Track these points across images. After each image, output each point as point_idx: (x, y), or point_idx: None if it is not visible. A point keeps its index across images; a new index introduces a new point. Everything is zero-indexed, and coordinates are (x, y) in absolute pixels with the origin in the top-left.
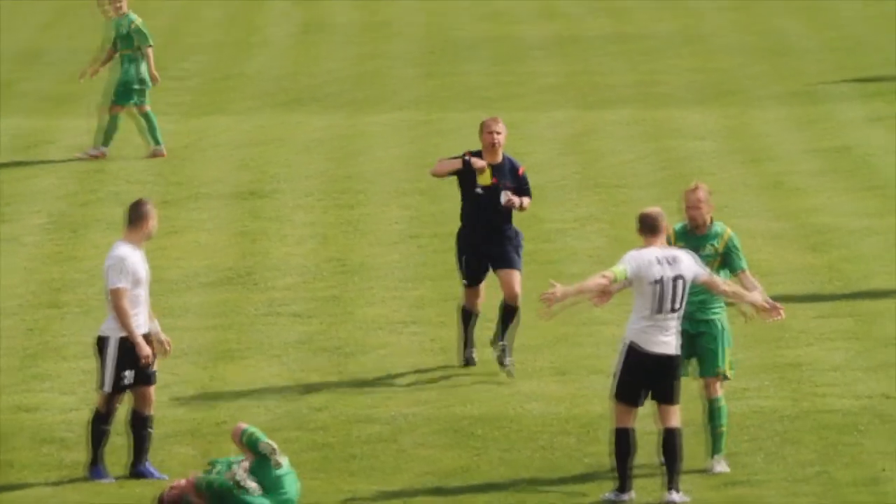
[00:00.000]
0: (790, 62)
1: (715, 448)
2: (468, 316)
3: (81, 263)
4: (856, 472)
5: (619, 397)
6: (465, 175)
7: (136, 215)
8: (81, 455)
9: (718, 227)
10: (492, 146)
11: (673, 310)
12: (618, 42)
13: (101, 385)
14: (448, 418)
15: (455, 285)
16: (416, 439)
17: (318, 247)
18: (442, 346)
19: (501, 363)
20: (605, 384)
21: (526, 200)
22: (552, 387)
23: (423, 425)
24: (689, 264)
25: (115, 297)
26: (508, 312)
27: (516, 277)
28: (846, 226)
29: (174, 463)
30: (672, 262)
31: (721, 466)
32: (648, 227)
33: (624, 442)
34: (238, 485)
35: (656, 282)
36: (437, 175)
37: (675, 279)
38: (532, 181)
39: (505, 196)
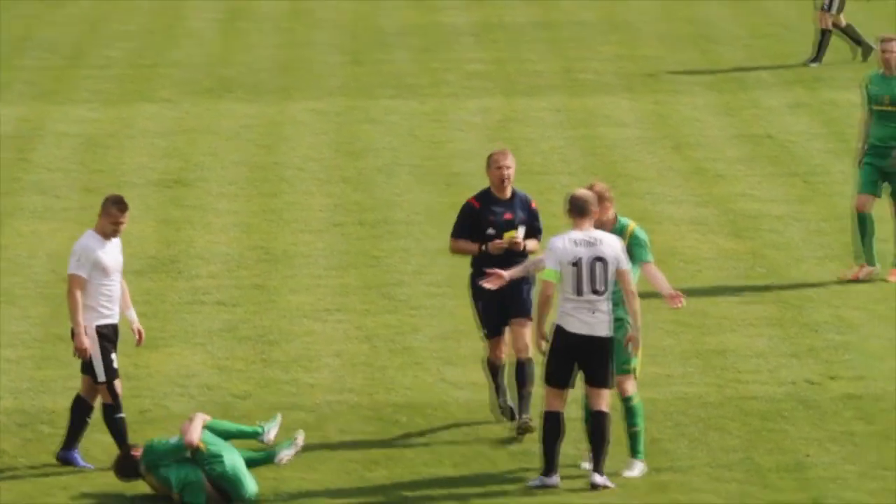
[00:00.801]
0: (715, 49)
1: (631, 450)
2: (496, 369)
3: (5, 252)
4: (779, 458)
5: (548, 380)
6: (475, 219)
7: (103, 207)
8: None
9: (623, 222)
10: (501, 182)
11: (595, 291)
12: (544, 29)
13: (95, 378)
14: (372, 406)
15: (381, 273)
16: (340, 427)
17: (241, 235)
18: (366, 333)
19: (520, 430)
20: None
21: (532, 243)
22: (476, 374)
23: (348, 413)
24: (612, 248)
25: (69, 284)
26: (521, 369)
27: (528, 327)
28: (770, 212)
29: (97, 451)
30: (592, 243)
31: (631, 472)
32: (577, 210)
33: (553, 425)
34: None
35: (573, 263)
36: (454, 251)
37: (595, 260)
38: (458, 168)
39: (519, 233)
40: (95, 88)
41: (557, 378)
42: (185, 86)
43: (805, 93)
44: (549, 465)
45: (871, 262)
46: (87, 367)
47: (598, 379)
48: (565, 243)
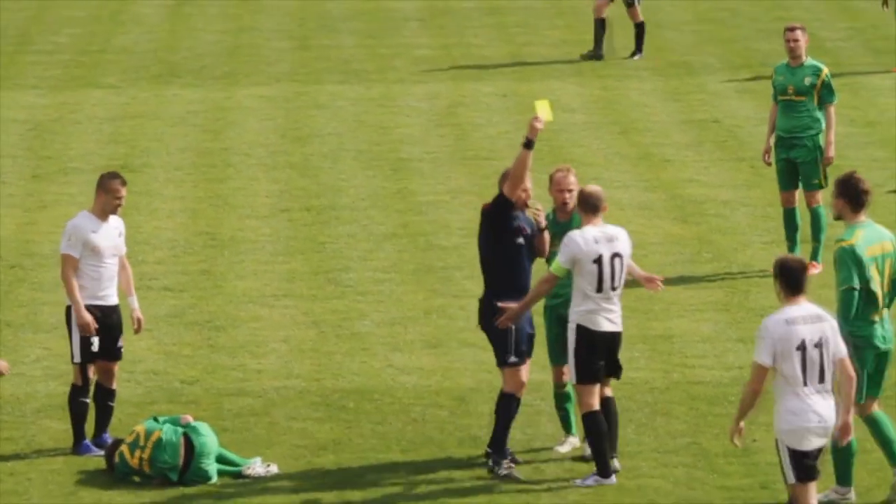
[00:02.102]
0: (662, 34)
1: (566, 429)
2: (516, 402)
3: None
4: (726, 443)
5: (583, 379)
6: (501, 220)
7: (97, 186)
8: None
9: None
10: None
11: (613, 288)
12: (491, 14)
13: (71, 357)
14: (320, 391)
15: (327, 259)
16: (287, 412)
17: (188, 221)
18: (314, 319)
19: (502, 474)
20: (477, 357)
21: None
22: (424, 359)
23: (295, 398)
24: (627, 243)
25: (61, 263)
26: (512, 403)
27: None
28: (717, 197)
29: (45, 438)
30: (611, 240)
31: (564, 448)
32: (591, 206)
33: (598, 424)
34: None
35: (595, 261)
36: (518, 178)
37: (614, 257)
38: (405, 153)
39: (542, 111)
40: (42, 74)
41: (591, 376)
42: (132, 72)
43: (751, 78)
44: (604, 467)
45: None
46: (107, 352)
47: (614, 370)
48: (586, 242)
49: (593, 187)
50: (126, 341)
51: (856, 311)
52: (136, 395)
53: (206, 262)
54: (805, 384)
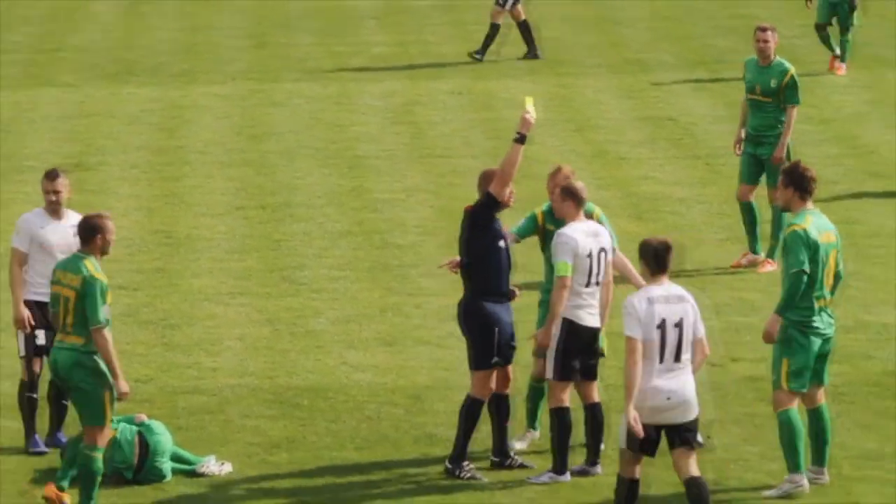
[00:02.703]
0: (617, 31)
1: (531, 424)
2: (481, 406)
3: None
4: None
5: (560, 376)
6: (486, 221)
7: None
8: None
9: (588, 206)
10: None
11: (597, 283)
12: (447, 12)
13: (18, 351)
14: (274, 389)
15: (282, 256)
16: (242, 410)
17: (143, 219)
18: (268, 317)
19: (465, 477)
20: (432, 355)
21: None
22: (379, 357)
23: (250, 396)
24: (608, 237)
25: (10, 256)
26: (504, 403)
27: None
28: (672, 195)
29: (1, 438)
30: (595, 234)
31: (523, 443)
32: (581, 200)
33: (566, 421)
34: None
35: (588, 255)
36: (507, 174)
37: (600, 252)
38: (361, 151)
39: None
40: None
41: (568, 372)
42: (88, 70)
43: (707, 75)
44: (563, 462)
45: (754, 249)
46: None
47: (593, 371)
48: (580, 236)
49: (577, 181)
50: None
51: (803, 296)
52: None
53: (160, 259)
54: (660, 361)
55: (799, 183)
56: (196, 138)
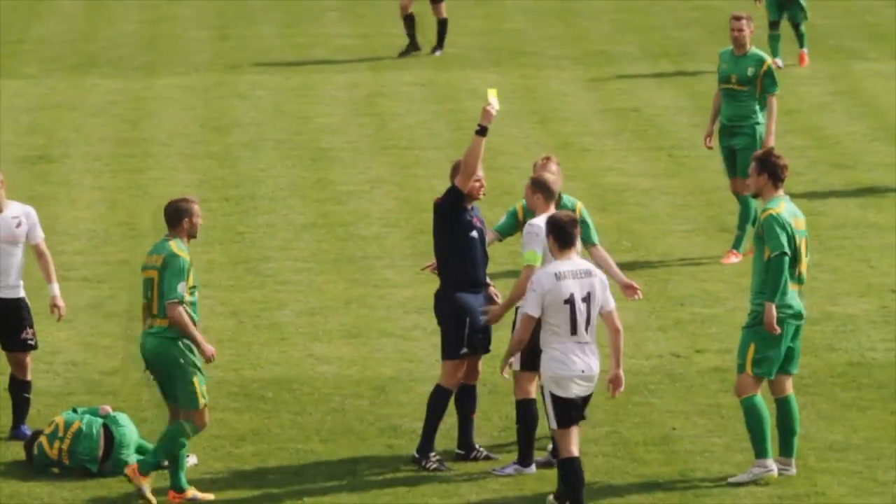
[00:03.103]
0: (581, 23)
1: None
2: (446, 400)
3: None
4: (646, 432)
5: (526, 366)
6: (454, 213)
7: None
8: None
9: (568, 201)
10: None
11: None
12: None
13: None
14: (239, 382)
15: (246, 249)
16: (207, 403)
17: (107, 211)
18: (232, 309)
19: (431, 468)
20: (397, 346)
21: None
22: (343, 349)
23: (214, 389)
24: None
25: None
26: (471, 395)
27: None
28: (636, 186)
29: None
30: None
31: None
32: (550, 193)
33: (532, 413)
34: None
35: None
36: (470, 165)
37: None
38: (325, 143)
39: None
40: None
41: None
42: (50, 62)
43: (671, 67)
44: (528, 454)
45: (738, 245)
46: (15, 343)
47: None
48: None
49: (546, 174)
50: (45, 332)
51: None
52: (54, 385)
53: (125, 252)
54: (572, 334)
55: (773, 170)
56: (159, 130)
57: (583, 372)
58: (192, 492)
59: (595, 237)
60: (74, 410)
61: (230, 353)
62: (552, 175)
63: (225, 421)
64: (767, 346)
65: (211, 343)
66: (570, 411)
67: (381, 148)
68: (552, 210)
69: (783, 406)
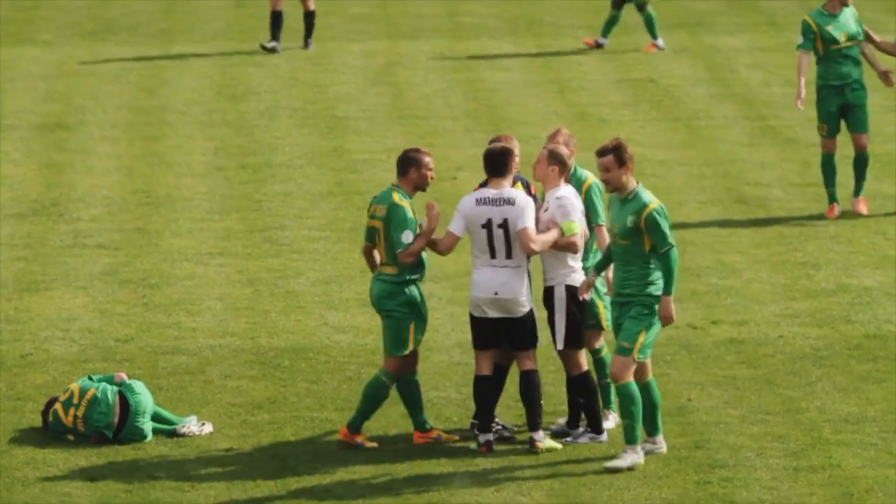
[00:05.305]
0: None
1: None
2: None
3: None
4: (662, 403)
5: (578, 343)
6: None
7: None
8: None
9: (582, 174)
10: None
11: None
12: None
13: None
14: (255, 350)
15: (263, 217)
16: (223, 371)
17: (123, 178)
18: (249, 277)
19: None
20: None
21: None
22: (359, 318)
23: (230, 357)
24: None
25: None
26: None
27: None
28: (653, 157)
29: None
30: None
31: (607, 423)
32: (565, 167)
33: (593, 383)
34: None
35: (585, 215)
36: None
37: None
38: (340, 112)
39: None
40: None
41: (582, 338)
42: (67, 28)
43: (687, 37)
44: (598, 421)
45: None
46: None
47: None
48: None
49: (563, 148)
50: (60, 300)
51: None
52: (70, 352)
53: (141, 219)
54: (492, 257)
55: (629, 160)
56: (176, 98)
57: (496, 294)
58: (436, 432)
59: (601, 217)
60: (90, 378)
61: (246, 321)
62: (566, 149)
63: (241, 389)
64: (654, 333)
65: (228, 311)
66: (485, 332)
67: (397, 117)
68: (563, 184)
69: (647, 390)
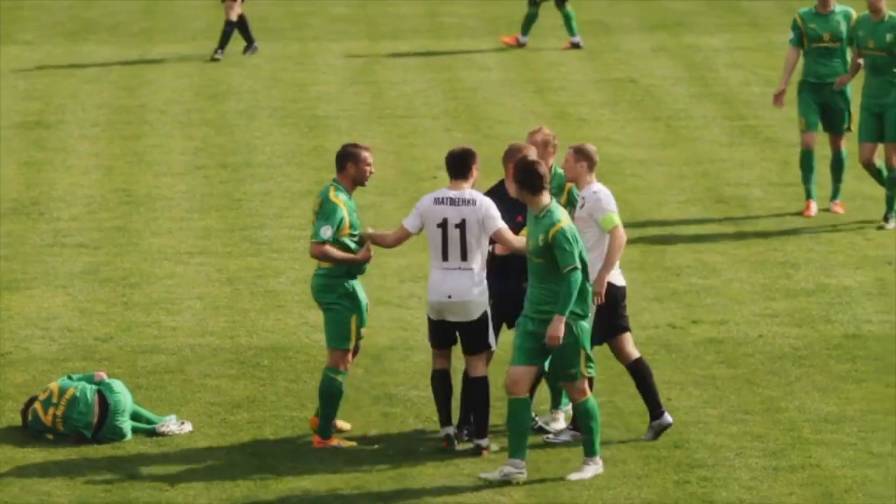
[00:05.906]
0: None
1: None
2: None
3: None
4: (641, 402)
5: (612, 335)
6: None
7: None
8: None
9: (563, 174)
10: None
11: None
12: None
13: None
14: (234, 349)
15: (242, 216)
16: (202, 370)
17: (103, 177)
18: (228, 276)
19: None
20: (392, 315)
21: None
22: None
23: (210, 356)
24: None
25: None
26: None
27: None
28: (633, 156)
29: None
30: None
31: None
32: (593, 162)
33: (645, 368)
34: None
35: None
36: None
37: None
38: (321, 111)
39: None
40: None
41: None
42: (47, 28)
43: (667, 37)
44: (658, 404)
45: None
46: None
47: (625, 324)
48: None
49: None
50: (40, 298)
51: (582, 288)
52: (49, 351)
53: (121, 218)
54: (443, 260)
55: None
56: (156, 97)
57: (449, 297)
58: (336, 440)
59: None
60: (69, 377)
61: (226, 320)
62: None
63: (220, 388)
64: (588, 344)
65: (207, 310)
66: (440, 333)
67: (377, 117)
68: (594, 179)
69: (520, 406)
